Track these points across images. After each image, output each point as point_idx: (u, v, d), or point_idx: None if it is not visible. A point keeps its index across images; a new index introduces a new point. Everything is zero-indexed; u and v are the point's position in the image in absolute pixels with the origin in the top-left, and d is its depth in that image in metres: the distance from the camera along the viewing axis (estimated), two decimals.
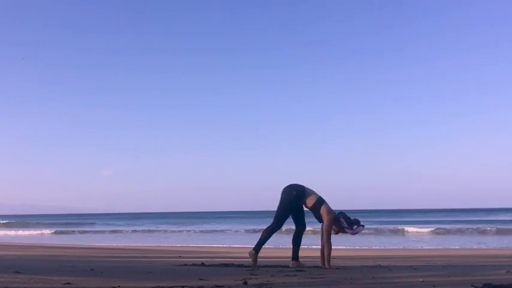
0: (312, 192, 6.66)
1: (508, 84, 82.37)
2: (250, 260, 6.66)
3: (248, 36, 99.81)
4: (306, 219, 6.84)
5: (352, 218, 6.62)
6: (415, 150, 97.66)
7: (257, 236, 6.94)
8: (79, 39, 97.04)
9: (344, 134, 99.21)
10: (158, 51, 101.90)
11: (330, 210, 6.55)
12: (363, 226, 6.63)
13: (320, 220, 6.61)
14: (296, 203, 6.65)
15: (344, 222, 6.52)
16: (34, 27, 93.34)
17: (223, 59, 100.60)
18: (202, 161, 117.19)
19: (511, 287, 4.11)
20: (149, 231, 32.61)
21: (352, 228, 6.53)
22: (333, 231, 6.62)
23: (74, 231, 33.71)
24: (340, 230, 6.59)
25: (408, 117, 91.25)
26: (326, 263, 6.50)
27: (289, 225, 6.95)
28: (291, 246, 6.81)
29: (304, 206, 6.70)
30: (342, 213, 6.60)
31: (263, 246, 6.74)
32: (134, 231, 33.17)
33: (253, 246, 6.71)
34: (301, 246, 6.82)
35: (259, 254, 6.70)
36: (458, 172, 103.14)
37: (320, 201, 6.60)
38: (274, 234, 6.74)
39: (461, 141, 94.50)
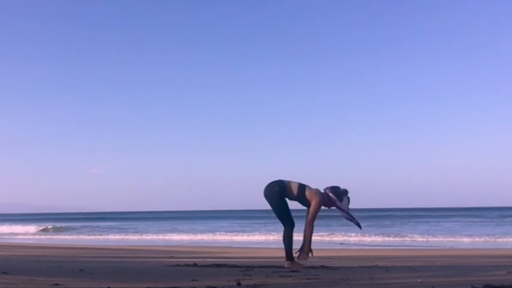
0: (291, 181, 6.58)
1: None
2: (295, 268, 6.19)
3: (242, 32, 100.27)
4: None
5: (340, 188, 6.49)
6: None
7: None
8: (67, 36, 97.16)
9: (342, 133, 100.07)
10: (149, 47, 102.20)
11: (316, 191, 6.45)
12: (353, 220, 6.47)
13: (308, 205, 6.49)
14: (282, 197, 6.52)
15: (334, 197, 6.40)
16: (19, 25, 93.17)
17: (218, 55, 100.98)
18: (196, 160, 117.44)
19: None
20: (141, 230, 32.44)
21: (342, 202, 6.40)
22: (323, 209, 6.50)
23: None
24: (331, 205, 6.47)
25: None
26: (306, 243, 6.37)
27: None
28: (283, 247, 6.65)
29: (289, 199, 6.56)
30: (328, 188, 6.49)
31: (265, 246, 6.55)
32: (124, 230, 32.99)
33: (285, 257, 6.52)
34: (294, 246, 6.66)
35: (257, 254, 6.56)
36: None
37: (302, 186, 6.51)
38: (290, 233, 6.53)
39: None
